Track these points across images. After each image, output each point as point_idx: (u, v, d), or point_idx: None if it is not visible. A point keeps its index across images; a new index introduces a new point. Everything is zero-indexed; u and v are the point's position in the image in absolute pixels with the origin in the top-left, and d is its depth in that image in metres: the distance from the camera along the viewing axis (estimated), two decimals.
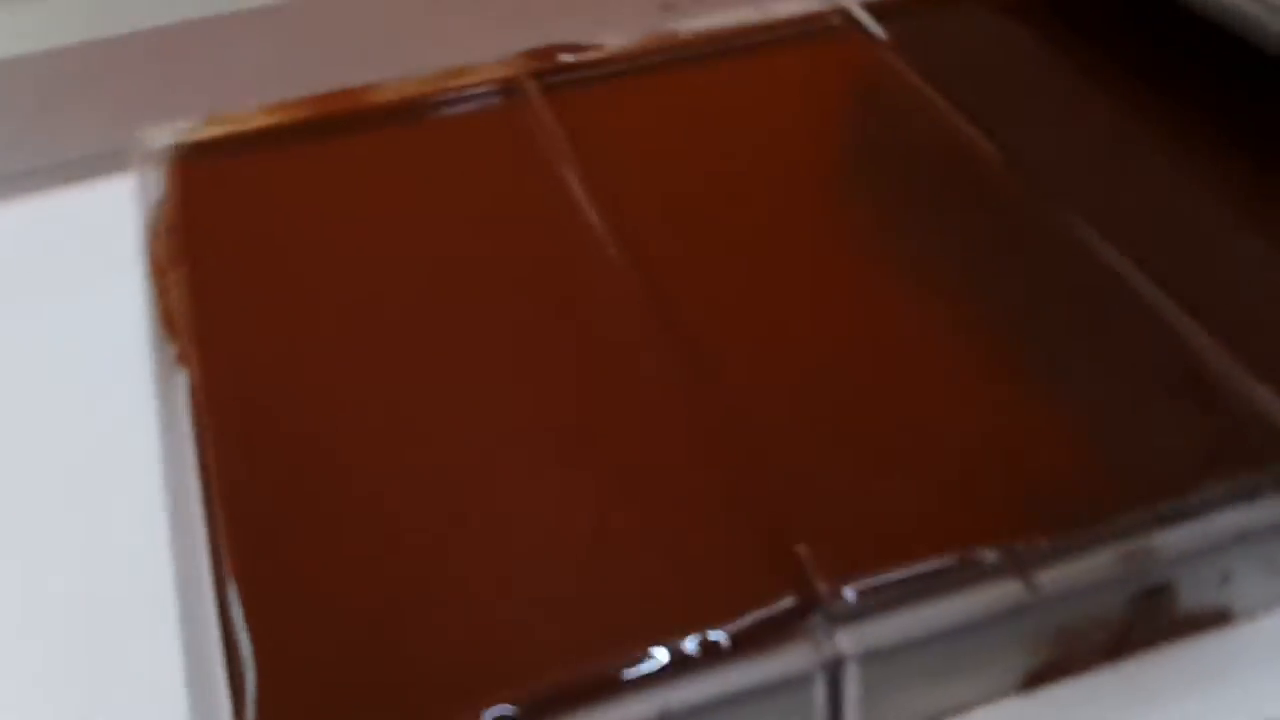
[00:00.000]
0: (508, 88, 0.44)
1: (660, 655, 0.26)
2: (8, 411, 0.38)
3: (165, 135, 0.43)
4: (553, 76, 0.44)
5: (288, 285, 0.37)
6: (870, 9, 0.46)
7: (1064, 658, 0.29)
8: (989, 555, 0.27)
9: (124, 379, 0.37)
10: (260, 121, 0.43)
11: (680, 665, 0.26)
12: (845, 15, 0.46)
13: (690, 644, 0.26)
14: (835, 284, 0.36)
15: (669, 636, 0.26)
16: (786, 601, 0.27)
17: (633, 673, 0.26)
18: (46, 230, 0.46)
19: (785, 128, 0.43)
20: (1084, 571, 0.27)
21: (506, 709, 0.25)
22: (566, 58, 0.45)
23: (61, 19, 0.53)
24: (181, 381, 0.34)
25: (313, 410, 0.32)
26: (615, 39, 0.46)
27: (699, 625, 0.26)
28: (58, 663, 0.31)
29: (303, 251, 0.38)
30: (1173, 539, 0.28)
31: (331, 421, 0.32)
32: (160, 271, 0.38)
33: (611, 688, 0.25)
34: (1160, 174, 0.38)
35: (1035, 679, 0.29)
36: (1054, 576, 0.27)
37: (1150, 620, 0.29)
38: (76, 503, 0.35)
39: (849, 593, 0.27)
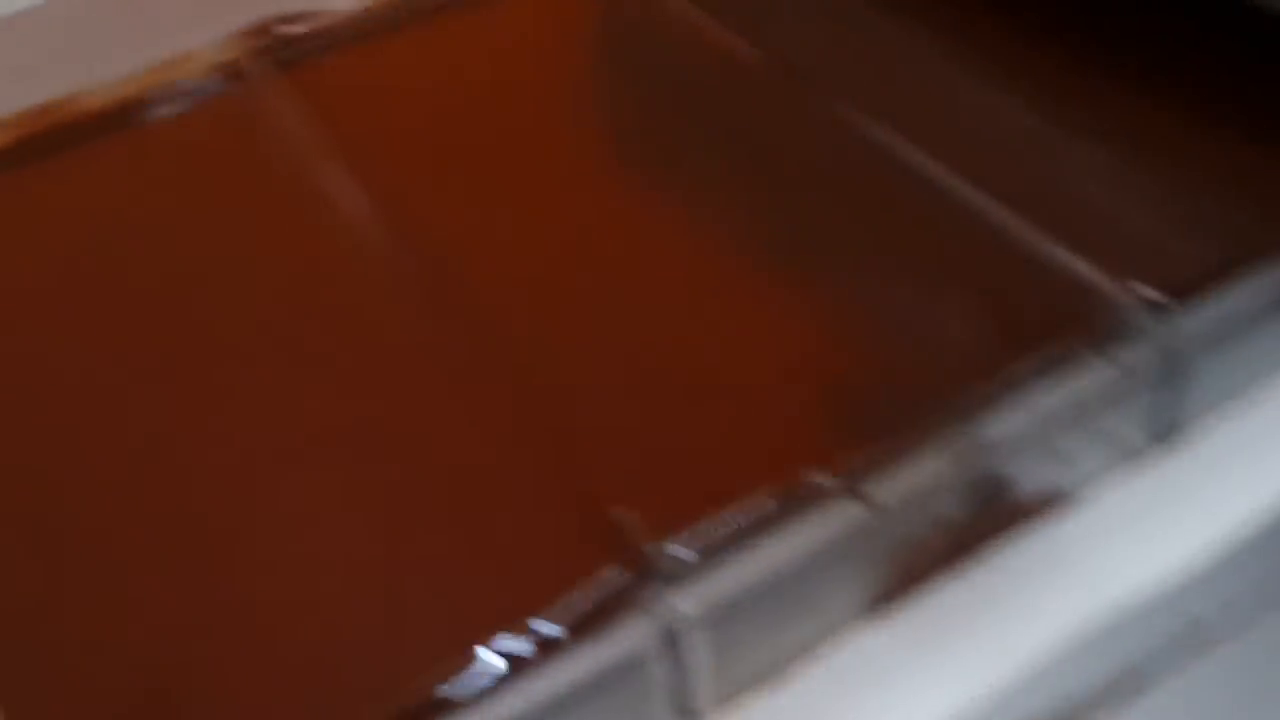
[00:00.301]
0: (232, 71, 0.40)
1: (485, 663, 0.23)
2: None
3: None
4: (279, 52, 0.41)
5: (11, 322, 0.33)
6: None
7: (907, 571, 0.27)
8: (820, 479, 0.25)
9: None
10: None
11: (509, 669, 0.23)
12: None
13: (515, 643, 0.24)
14: (613, 227, 0.33)
15: (491, 637, 0.24)
16: (614, 569, 0.25)
17: (455, 690, 0.23)
18: None
19: (536, 66, 0.40)
20: (921, 475, 0.26)
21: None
22: (291, 29, 0.42)
23: None
24: None
25: (53, 452, 0.29)
26: (340, 3, 0.43)
27: (520, 619, 0.24)
28: None
29: (32, 279, 0.34)
30: (999, 424, 0.26)
31: (75, 464, 0.28)
32: None
33: (433, 712, 0.23)
34: (941, 68, 0.36)
35: (881, 599, 0.27)
36: (891, 488, 0.26)
37: (991, 515, 0.27)
38: None
39: (676, 547, 0.25)
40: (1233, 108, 0.32)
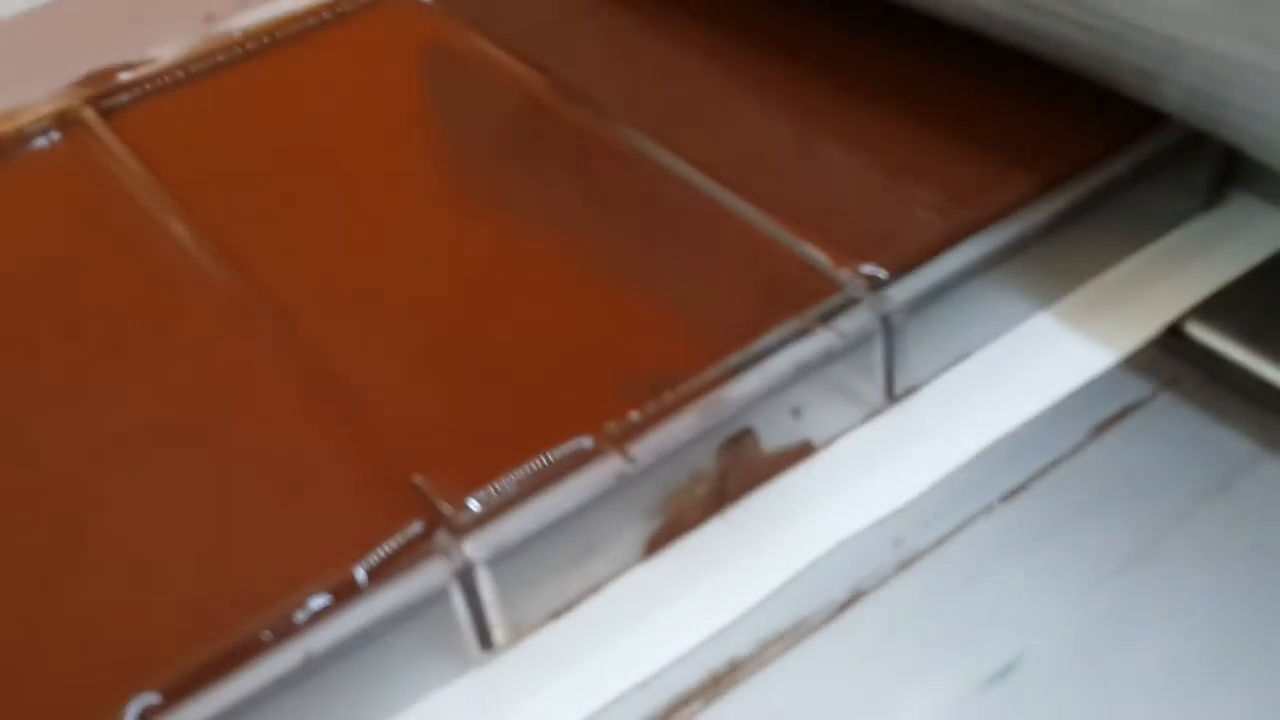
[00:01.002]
0: (65, 121, 0.44)
1: (297, 605, 0.27)
2: None
3: None
4: (110, 100, 0.45)
5: None
6: None
7: (676, 518, 0.32)
8: (584, 440, 0.30)
9: None
10: None
11: (320, 610, 0.27)
12: None
13: (325, 587, 0.28)
14: (419, 234, 0.37)
15: (303, 586, 0.28)
16: (414, 527, 0.29)
17: (269, 630, 0.27)
18: None
19: (356, 100, 0.44)
20: (672, 434, 0.30)
21: (152, 697, 0.26)
22: (122, 77, 0.45)
23: None
24: None
25: None
26: (168, 51, 0.46)
27: (332, 569, 0.28)
28: None
29: None
30: (742, 386, 0.31)
31: None
32: None
33: (252, 649, 0.27)
34: (705, 87, 0.41)
35: (656, 544, 0.32)
36: (647, 445, 0.30)
37: (741, 466, 0.32)
38: None
39: (469, 504, 0.29)
40: (936, 118, 0.37)
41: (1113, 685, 0.28)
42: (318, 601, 0.27)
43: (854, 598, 0.30)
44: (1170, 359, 0.34)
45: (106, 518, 0.30)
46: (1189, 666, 0.28)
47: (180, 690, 0.26)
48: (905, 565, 0.31)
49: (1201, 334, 0.34)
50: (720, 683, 0.29)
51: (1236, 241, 0.37)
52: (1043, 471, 0.32)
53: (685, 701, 0.29)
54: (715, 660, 0.30)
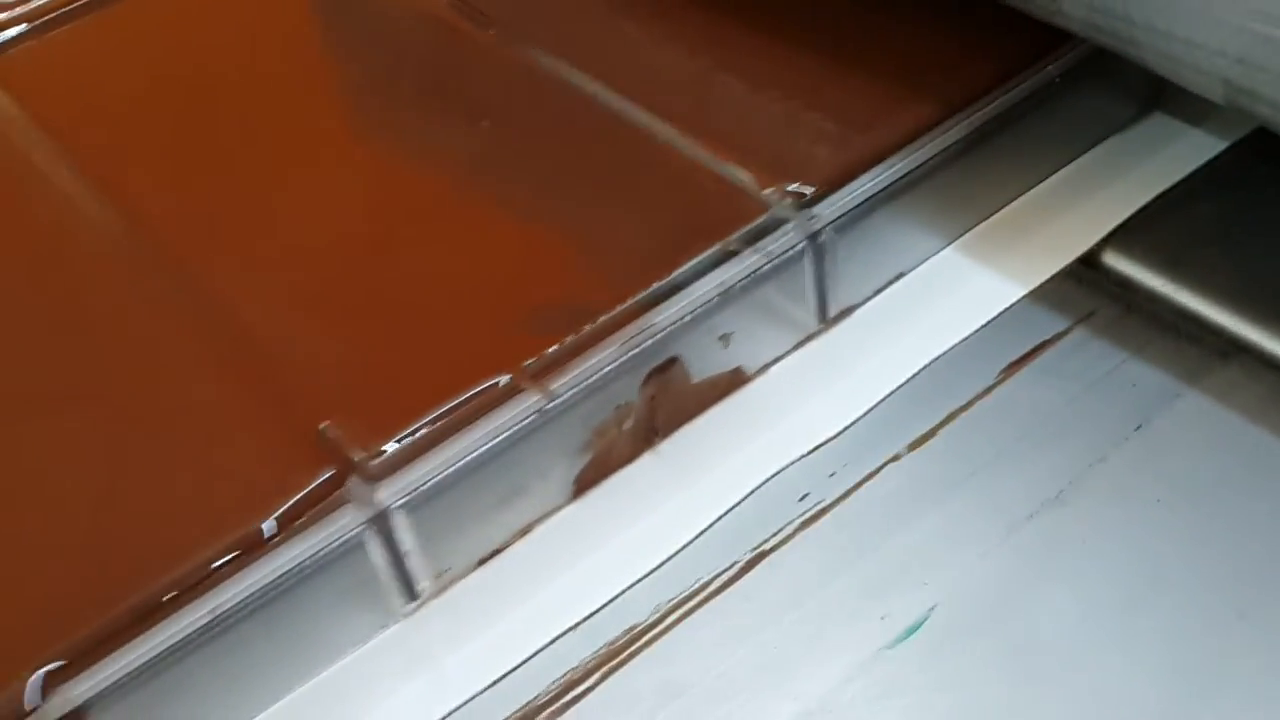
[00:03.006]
0: None
1: (203, 561, 0.26)
2: None
3: None
4: None
5: None
6: None
7: (604, 455, 0.30)
8: (500, 378, 0.29)
9: None
10: None
11: (225, 564, 0.26)
12: None
13: (232, 541, 0.26)
14: (317, 171, 0.36)
15: (209, 542, 0.26)
16: (323, 474, 0.27)
17: (175, 588, 0.26)
18: None
19: (244, 34, 0.42)
20: (593, 366, 0.29)
21: (54, 663, 0.25)
22: None
23: None
24: None
25: None
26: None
27: (239, 522, 0.27)
28: None
29: None
30: (665, 313, 0.30)
31: None
32: None
33: (158, 609, 0.25)
34: (618, 12, 0.39)
35: (585, 484, 0.30)
36: (567, 379, 0.29)
37: (669, 397, 0.31)
38: None
39: (381, 449, 0.28)
40: (854, 43, 0.36)
41: (1026, 636, 0.27)
42: (224, 556, 0.26)
43: (756, 558, 0.29)
44: (1085, 291, 0.33)
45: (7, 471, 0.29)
46: (1103, 614, 0.27)
47: (85, 654, 0.25)
48: (808, 522, 0.30)
49: (1116, 262, 0.33)
50: (632, 644, 0.28)
51: (1154, 163, 0.35)
52: (951, 416, 0.31)
53: (624, 646, 0.28)
54: (639, 614, 0.28)
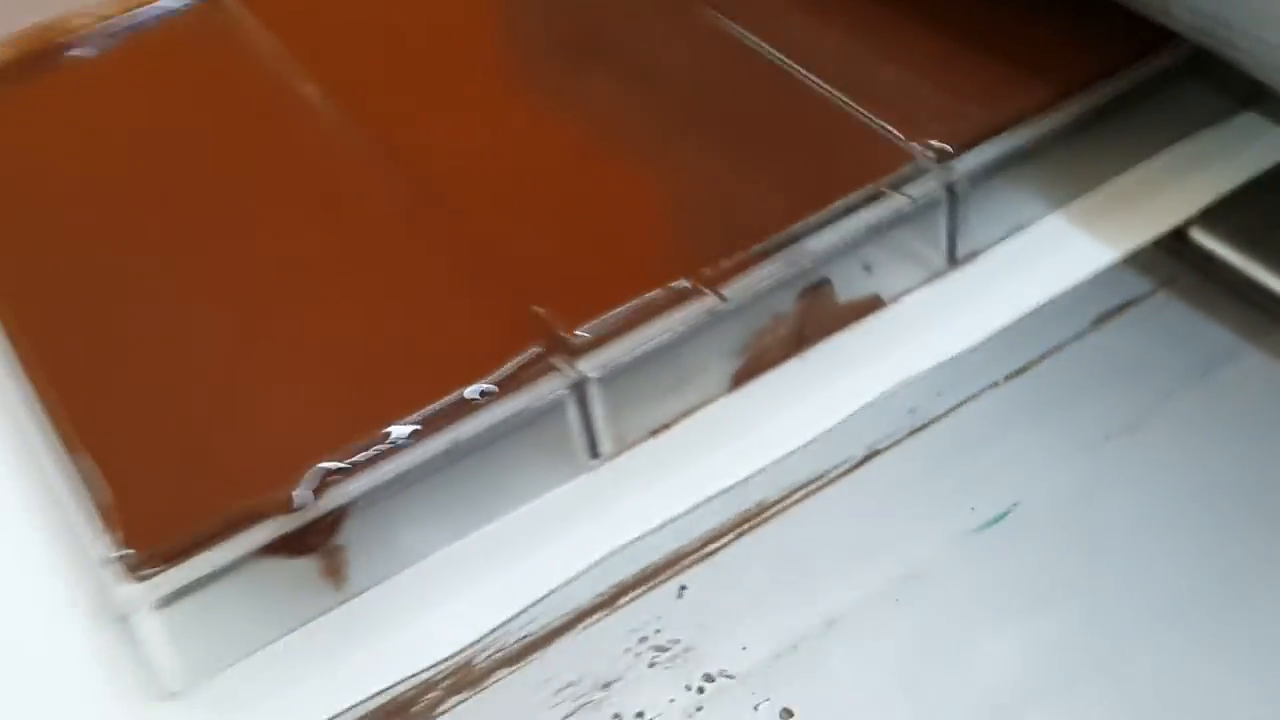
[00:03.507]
0: None
1: (446, 402, 0.32)
2: None
3: None
4: None
5: (55, 205, 0.41)
6: None
7: (759, 355, 0.36)
8: (684, 281, 0.35)
9: None
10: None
11: (464, 408, 0.32)
12: None
13: (469, 392, 0.32)
14: (525, 109, 0.42)
15: (451, 390, 0.32)
16: (536, 348, 0.33)
17: (426, 416, 0.32)
18: None
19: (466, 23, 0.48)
20: (758, 279, 0.35)
21: (334, 464, 0.31)
22: None
23: None
24: None
25: (108, 288, 0.37)
26: None
27: (472, 377, 0.33)
28: None
29: (59, 172, 0.42)
30: (820, 240, 0.36)
31: (127, 294, 0.37)
32: None
33: (407, 436, 0.32)
34: None
35: (741, 378, 0.36)
36: (736, 287, 0.35)
37: (818, 311, 0.37)
38: None
39: (581, 331, 0.34)
40: (997, 24, 0.41)
41: (1090, 536, 0.32)
42: (470, 393, 0.32)
43: (869, 455, 0.35)
44: (1171, 260, 0.38)
45: (271, 340, 0.35)
46: (1160, 516, 0.32)
47: (359, 462, 0.31)
48: (916, 431, 0.35)
49: (1201, 238, 0.38)
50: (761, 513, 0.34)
51: (1243, 155, 0.40)
52: (1046, 354, 0.37)
53: (755, 514, 0.34)
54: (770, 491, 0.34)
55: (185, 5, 0.48)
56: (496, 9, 0.46)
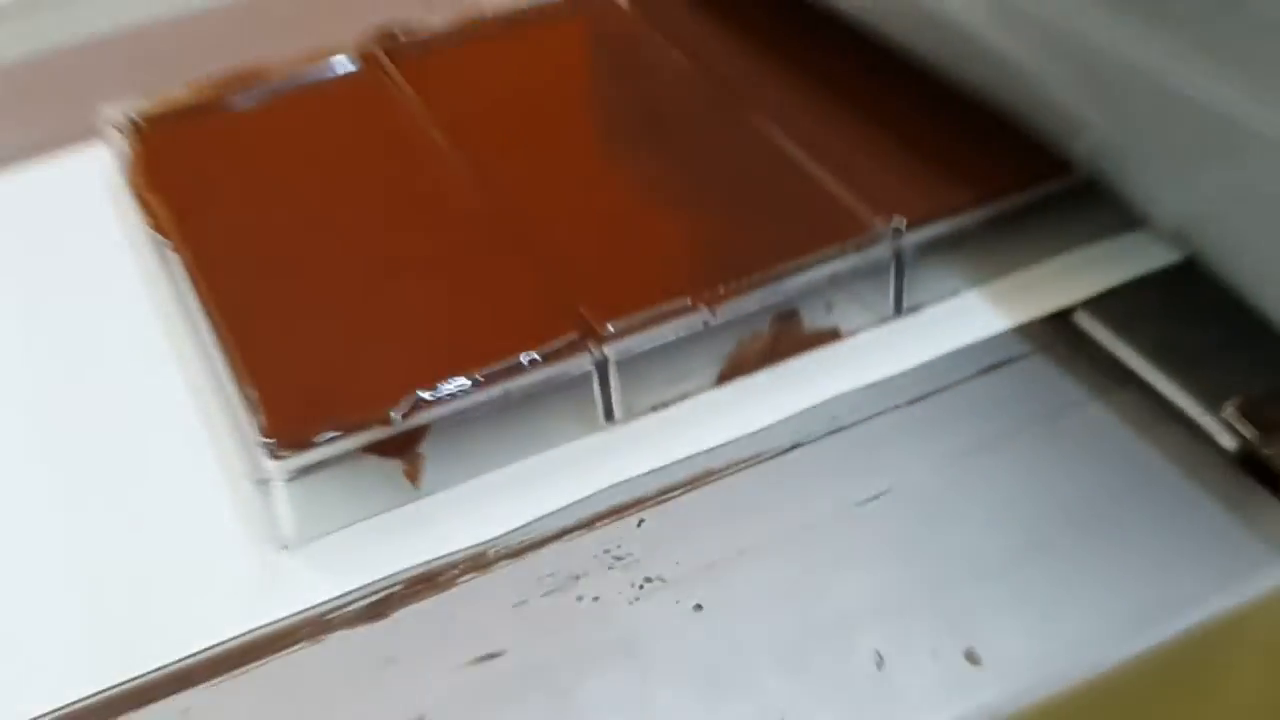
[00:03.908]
0: (367, 59, 0.62)
1: (505, 363, 0.45)
2: (34, 330, 0.56)
3: (118, 111, 0.60)
4: (397, 49, 0.63)
5: (234, 200, 0.55)
6: None
7: (739, 363, 0.49)
8: (686, 300, 0.47)
9: (111, 288, 0.55)
10: (189, 97, 0.61)
11: (517, 370, 0.45)
12: None
13: (523, 358, 0.45)
14: (598, 170, 0.55)
15: (510, 355, 0.45)
16: (574, 334, 0.46)
17: (490, 371, 0.45)
18: (28, 189, 0.63)
19: (566, 70, 0.62)
20: (743, 304, 0.47)
21: (417, 395, 0.44)
22: (405, 34, 0.64)
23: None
24: (175, 260, 0.52)
25: (269, 262, 0.51)
26: (435, 20, 0.65)
27: (526, 349, 0.46)
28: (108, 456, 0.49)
29: (240, 177, 0.56)
30: (794, 282, 0.48)
31: (284, 268, 0.50)
32: (141, 195, 0.55)
33: (476, 383, 0.45)
34: (807, 86, 0.58)
35: (724, 378, 0.49)
36: (726, 308, 0.47)
37: (788, 335, 0.49)
38: (100, 373, 0.53)
39: (610, 326, 0.46)
40: (944, 118, 0.53)
41: (940, 518, 0.43)
42: (523, 359, 0.45)
43: (794, 445, 0.46)
44: (1051, 332, 0.49)
45: (391, 307, 0.48)
46: (992, 513, 0.43)
47: (439, 396, 0.44)
48: (833, 433, 0.47)
49: (1081, 320, 0.49)
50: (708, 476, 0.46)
51: (1124, 262, 0.51)
52: (941, 389, 0.48)
53: (705, 475, 0.46)
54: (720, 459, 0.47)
55: (350, 70, 0.62)
56: (587, 96, 0.60)
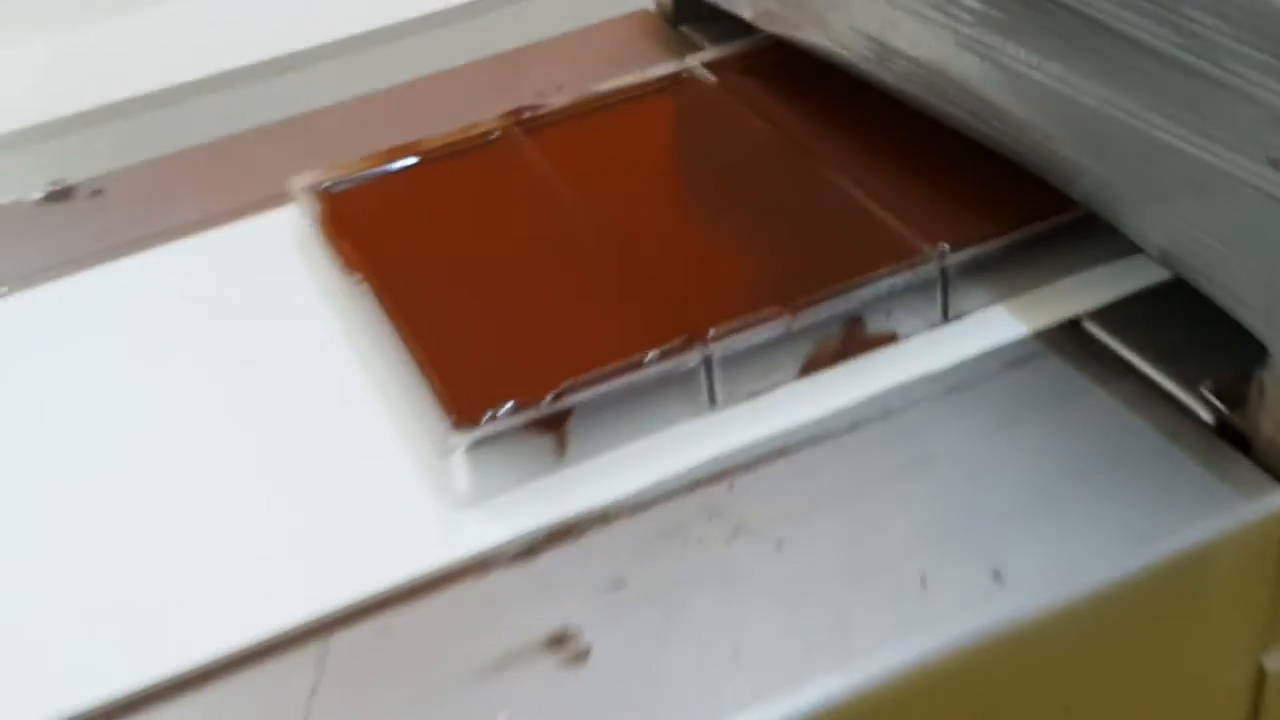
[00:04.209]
0: (505, 131, 0.76)
1: (632, 360, 0.58)
2: (249, 349, 0.70)
3: (305, 179, 0.74)
4: (525, 123, 0.77)
5: (406, 242, 0.68)
6: (706, 66, 0.79)
7: (816, 359, 0.61)
8: (775, 308, 0.60)
9: (308, 315, 0.69)
10: (364, 165, 0.75)
11: (640, 366, 0.58)
12: (690, 72, 0.79)
13: (646, 359, 0.58)
14: (690, 210, 0.68)
15: (635, 355, 0.58)
16: (685, 337, 0.59)
17: (620, 366, 0.58)
18: (234, 244, 0.77)
19: (666, 135, 0.75)
20: (821, 311, 0.60)
21: (564, 384, 0.57)
22: (529, 113, 0.78)
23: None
24: (363, 290, 0.65)
25: (439, 282, 0.64)
26: (557, 100, 0.78)
27: (648, 349, 0.58)
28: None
29: (409, 224, 0.70)
30: (860, 294, 0.60)
31: (450, 284, 0.64)
32: (332, 241, 0.69)
33: (609, 375, 0.57)
34: (867, 143, 0.71)
35: (804, 372, 0.61)
36: (806, 314, 0.60)
37: (855, 337, 0.61)
38: (303, 376, 0.66)
39: (713, 331, 0.59)
40: (976, 162, 0.66)
41: (974, 478, 0.56)
42: (647, 359, 0.58)
43: (853, 427, 0.59)
44: (1062, 335, 0.61)
45: (545, 313, 0.61)
46: (1021, 486, 0.56)
47: (578, 385, 0.57)
48: (888, 414, 0.59)
49: (1089, 325, 0.61)
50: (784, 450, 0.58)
51: (1123, 282, 0.63)
52: (974, 381, 0.59)
53: (782, 449, 0.58)
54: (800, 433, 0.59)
55: (492, 139, 0.76)
56: (684, 155, 0.73)
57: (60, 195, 0.86)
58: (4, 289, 0.76)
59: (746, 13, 0.78)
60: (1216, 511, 0.53)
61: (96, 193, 0.85)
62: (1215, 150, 0.52)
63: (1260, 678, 0.58)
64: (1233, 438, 0.55)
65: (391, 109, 0.86)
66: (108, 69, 1.04)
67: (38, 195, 0.85)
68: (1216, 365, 0.57)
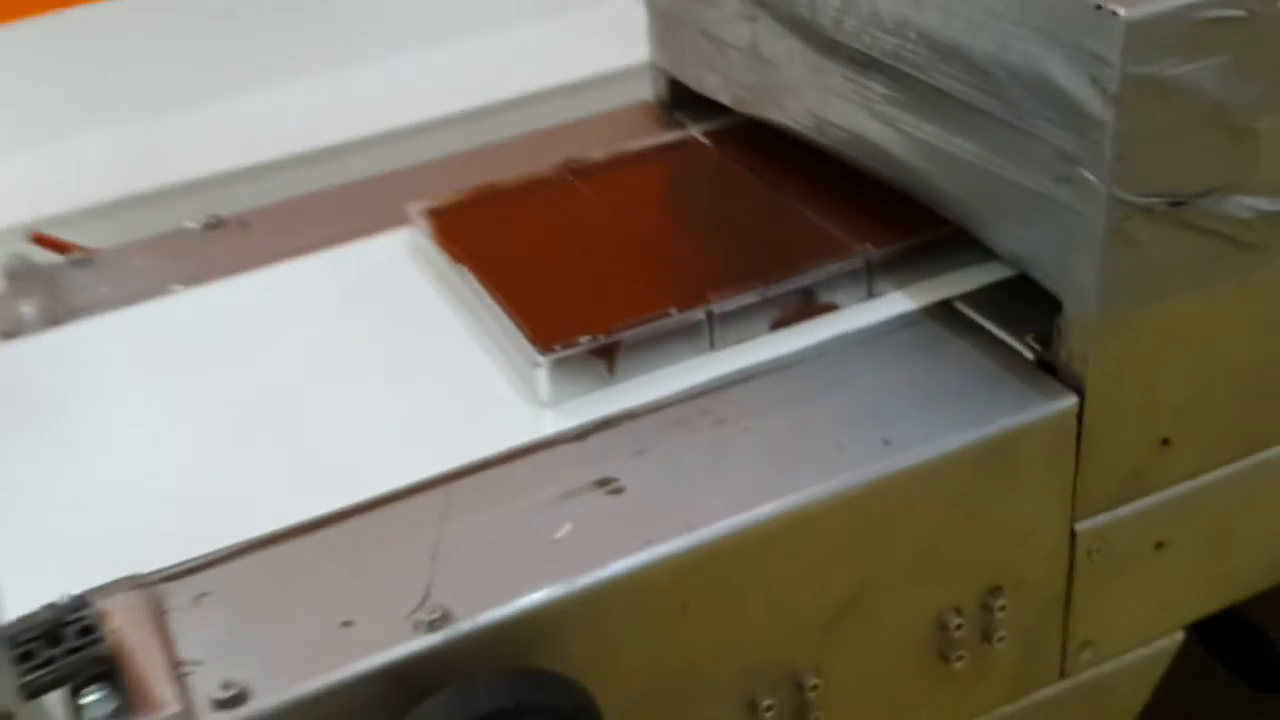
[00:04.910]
0: (560, 175, 1.07)
1: (662, 312, 0.88)
2: (383, 327, 0.99)
3: (418, 204, 1.05)
4: (576, 170, 1.07)
5: (494, 245, 0.99)
6: (704, 134, 1.10)
7: (781, 319, 0.90)
8: (756, 284, 0.90)
9: (422, 298, 0.99)
10: (458, 197, 1.05)
11: (664, 316, 0.88)
12: (693, 137, 1.10)
13: (671, 311, 0.88)
14: (702, 225, 0.99)
15: (664, 309, 0.88)
16: (694, 300, 0.89)
17: (650, 317, 0.87)
18: (361, 254, 1.07)
19: (680, 179, 1.07)
20: (783, 286, 0.90)
21: (614, 325, 0.86)
22: (575, 164, 1.08)
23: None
24: (467, 275, 0.95)
25: (521, 268, 0.94)
26: (596, 153, 1.09)
27: (670, 308, 0.88)
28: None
29: (494, 234, 1.00)
30: (806, 277, 0.90)
31: (529, 268, 0.94)
32: (443, 245, 0.99)
33: (643, 323, 0.87)
34: (817, 180, 1.01)
35: (774, 328, 0.91)
36: (774, 288, 0.90)
37: (807, 306, 0.91)
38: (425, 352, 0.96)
39: (713, 297, 0.89)
40: (890, 193, 0.96)
41: (873, 390, 0.86)
42: (670, 312, 0.88)
43: (796, 363, 0.89)
44: (940, 309, 0.91)
45: (613, 272, 0.92)
46: (903, 394, 0.86)
47: (623, 326, 0.87)
48: (823, 355, 0.89)
49: (957, 304, 0.91)
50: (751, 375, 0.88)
51: (987, 274, 0.93)
52: (881, 335, 0.90)
53: (753, 375, 0.88)
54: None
55: (551, 179, 1.06)
56: (691, 192, 1.05)
57: (215, 225, 1.15)
58: (179, 286, 1.06)
59: (725, 99, 1.09)
60: (1032, 408, 0.82)
61: (244, 224, 1.15)
62: (1025, 175, 0.82)
63: (1073, 538, 0.87)
64: (1046, 367, 0.85)
65: (464, 168, 1.16)
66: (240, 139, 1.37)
67: (196, 224, 1.15)
68: (1038, 324, 0.87)
